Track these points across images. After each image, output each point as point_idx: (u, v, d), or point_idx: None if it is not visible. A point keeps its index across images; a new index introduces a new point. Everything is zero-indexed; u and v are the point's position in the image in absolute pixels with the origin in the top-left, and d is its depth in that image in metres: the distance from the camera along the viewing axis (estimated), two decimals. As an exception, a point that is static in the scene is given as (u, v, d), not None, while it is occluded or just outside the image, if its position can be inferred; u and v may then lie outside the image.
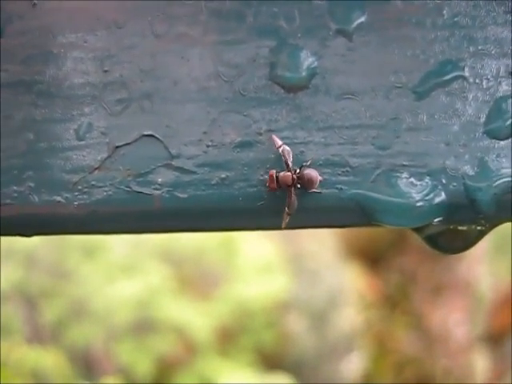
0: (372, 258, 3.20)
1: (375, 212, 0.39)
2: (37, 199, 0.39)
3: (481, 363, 2.94)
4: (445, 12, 0.39)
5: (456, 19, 0.39)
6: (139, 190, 0.39)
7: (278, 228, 0.40)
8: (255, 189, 0.39)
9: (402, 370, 2.98)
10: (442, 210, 0.39)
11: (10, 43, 0.39)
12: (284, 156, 0.38)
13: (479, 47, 0.39)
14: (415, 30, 0.39)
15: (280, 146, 0.38)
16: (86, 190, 0.39)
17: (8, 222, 0.39)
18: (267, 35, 0.39)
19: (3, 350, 2.15)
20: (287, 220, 0.39)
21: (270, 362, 2.80)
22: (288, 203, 0.39)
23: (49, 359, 2.33)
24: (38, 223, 0.40)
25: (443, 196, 0.39)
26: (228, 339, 2.81)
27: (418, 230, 0.41)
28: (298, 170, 0.39)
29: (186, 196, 0.39)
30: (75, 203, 0.39)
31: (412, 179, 0.39)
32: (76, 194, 0.39)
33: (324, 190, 0.39)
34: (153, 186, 0.39)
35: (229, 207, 0.39)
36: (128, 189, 0.39)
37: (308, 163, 0.39)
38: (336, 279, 3.04)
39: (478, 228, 0.41)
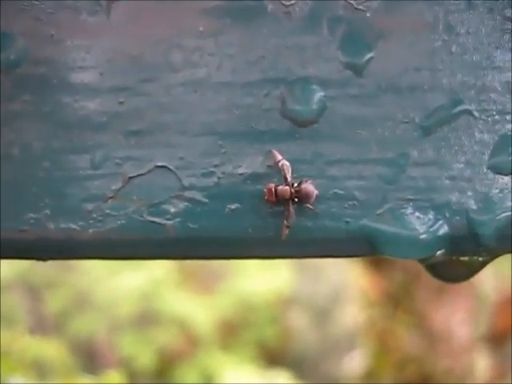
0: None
1: (380, 244, 0.40)
2: (53, 226, 0.40)
3: (482, 363, 2.94)
4: (453, 50, 0.40)
5: (464, 57, 0.40)
6: (152, 219, 0.40)
7: (288, 257, 0.41)
8: (264, 220, 0.40)
9: (403, 369, 2.97)
10: (444, 242, 0.40)
11: (29, 73, 0.40)
12: (283, 170, 0.39)
13: (486, 83, 0.40)
14: (423, 66, 0.40)
15: (279, 161, 0.39)
16: (100, 218, 0.40)
17: (25, 246, 0.40)
18: (279, 69, 0.40)
19: (6, 340, 2.15)
20: (286, 232, 0.39)
21: (272, 357, 2.80)
22: (286, 216, 0.40)
23: (51, 350, 2.33)
24: (54, 249, 0.41)
25: (446, 229, 0.40)
26: (230, 333, 2.80)
27: (420, 259, 0.42)
28: (295, 184, 0.40)
29: (197, 226, 0.40)
30: (90, 231, 0.40)
31: (417, 213, 0.40)
32: (91, 222, 0.40)
33: (331, 223, 0.40)
34: (165, 216, 0.40)
35: (239, 237, 0.40)
36: (141, 218, 0.40)
37: (306, 179, 0.40)
38: (339, 276, 3.03)
39: (480, 259, 0.42)
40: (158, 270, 2.62)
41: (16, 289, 2.50)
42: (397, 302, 3.11)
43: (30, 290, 2.54)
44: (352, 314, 3.02)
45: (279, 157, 0.39)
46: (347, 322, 3.00)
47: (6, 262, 2.19)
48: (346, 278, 3.07)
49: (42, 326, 2.53)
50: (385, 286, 3.16)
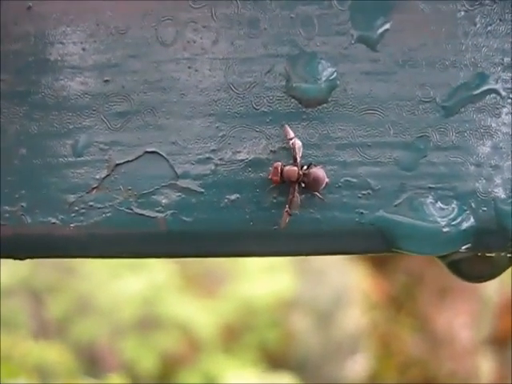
0: (378, 259, 3.20)
1: (397, 238, 0.36)
2: (30, 220, 0.37)
3: (485, 366, 2.95)
4: (477, 20, 0.36)
5: (489, 28, 0.36)
6: (141, 212, 0.37)
7: (294, 254, 0.38)
8: (268, 212, 0.37)
9: (406, 372, 2.99)
10: (470, 236, 0.36)
11: (3, 50, 0.37)
12: (294, 150, 0.36)
13: None
14: (444, 39, 0.36)
15: (292, 139, 0.36)
16: (83, 211, 0.37)
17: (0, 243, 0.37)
18: (283, 43, 0.36)
19: (8, 344, 2.17)
20: (287, 220, 0.36)
21: (274, 360, 2.81)
22: (290, 201, 0.36)
23: (53, 354, 2.35)
24: (32, 246, 0.38)
25: (472, 221, 0.36)
26: (232, 337, 2.82)
27: (441, 255, 0.39)
28: (305, 167, 0.37)
29: (191, 219, 0.37)
30: (71, 225, 0.37)
31: (438, 203, 0.36)
32: (72, 215, 0.37)
33: (343, 215, 0.37)
34: (156, 208, 0.37)
35: (239, 232, 0.37)
36: (129, 211, 0.37)
37: (315, 164, 0.37)
38: (341, 279, 3.05)
39: (508, 255, 0.38)
40: (160, 273, 2.64)
41: (18, 293, 2.53)
42: (400, 304, 3.12)
43: (32, 294, 2.56)
44: (354, 317, 3.04)
45: (292, 134, 0.36)
46: (350, 325, 3.02)
47: (7, 267, 2.19)
48: (349, 280, 3.08)
49: (44, 330, 2.55)
50: (387, 289, 3.17)
